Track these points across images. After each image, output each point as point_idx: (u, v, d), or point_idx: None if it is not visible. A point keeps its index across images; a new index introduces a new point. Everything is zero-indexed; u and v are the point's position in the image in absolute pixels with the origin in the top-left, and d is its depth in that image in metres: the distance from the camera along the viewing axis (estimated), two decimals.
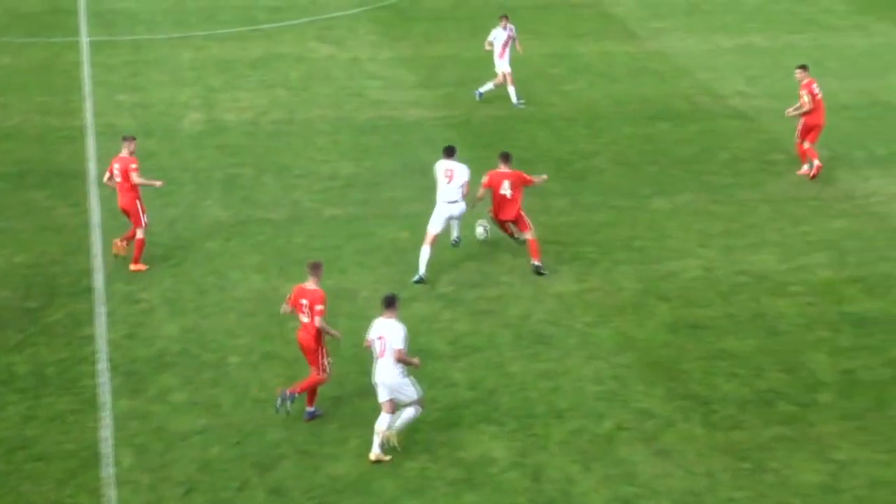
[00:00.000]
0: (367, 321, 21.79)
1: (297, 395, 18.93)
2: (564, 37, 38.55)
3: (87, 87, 33.78)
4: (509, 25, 32.41)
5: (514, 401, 19.65)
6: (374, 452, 18.19)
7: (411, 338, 21.28)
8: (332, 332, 19.14)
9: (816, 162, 28.05)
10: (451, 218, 23.92)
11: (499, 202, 23.60)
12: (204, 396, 19.67)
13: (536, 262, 23.71)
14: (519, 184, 23.52)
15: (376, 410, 19.23)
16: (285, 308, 19.25)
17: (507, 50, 32.17)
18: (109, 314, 22.13)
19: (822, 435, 18.86)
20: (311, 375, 19.11)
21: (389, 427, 18.13)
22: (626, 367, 20.61)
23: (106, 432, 18.75)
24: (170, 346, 21.10)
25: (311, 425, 18.95)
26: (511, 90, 32.35)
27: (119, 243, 23.61)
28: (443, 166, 23.87)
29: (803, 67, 28.72)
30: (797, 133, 28.38)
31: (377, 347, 18.14)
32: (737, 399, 19.75)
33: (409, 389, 18.21)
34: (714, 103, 33.08)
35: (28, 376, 20.20)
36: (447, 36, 38.64)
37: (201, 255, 24.35)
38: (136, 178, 23.32)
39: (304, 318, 18.90)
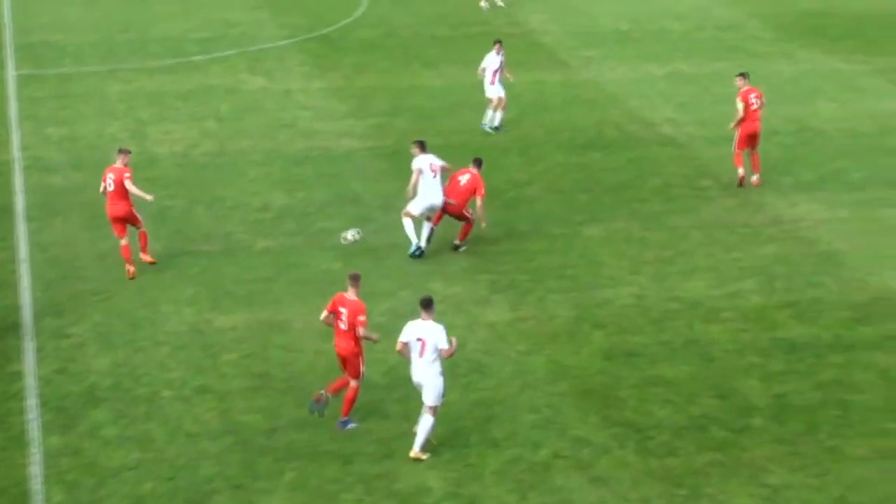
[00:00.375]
0: (301, 353, 21.84)
1: (333, 394, 19.53)
2: None
3: (14, 120, 33.44)
4: (502, 51, 33.00)
5: (449, 431, 19.59)
6: (415, 451, 18.80)
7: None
8: (373, 336, 19.59)
9: (756, 176, 29.04)
10: (432, 209, 25.35)
11: (452, 188, 25.48)
12: (136, 431, 19.45)
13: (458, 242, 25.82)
14: (474, 186, 25.34)
15: (311, 443, 19.16)
16: (325, 316, 19.56)
17: (498, 76, 32.67)
18: (38, 349, 21.85)
19: (756, 459, 18.98)
20: (349, 384, 19.49)
21: (413, 447, 18.83)
22: (561, 396, 20.63)
23: (36, 469, 18.48)
24: (101, 381, 20.86)
25: (245, 458, 18.80)
26: (496, 115, 32.81)
27: (132, 269, 24.48)
28: (426, 160, 25.30)
29: (743, 75, 29.58)
30: (734, 144, 29.29)
31: (415, 348, 18.77)
32: (671, 425, 19.83)
33: (435, 393, 18.82)
34: (645, 131, 33.31)
35: None
36: (377, 66, 38.68)
37: (133, 289, 24.12)
38: (130, 186, 24.12)
39: (342, 326, 19.31)
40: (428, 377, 18.79)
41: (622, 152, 31.84)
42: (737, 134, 29.14)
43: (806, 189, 29.51)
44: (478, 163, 26.02)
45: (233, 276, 24.71)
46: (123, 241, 24.44)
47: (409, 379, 20.86)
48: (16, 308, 23.29)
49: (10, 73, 37.40)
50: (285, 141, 32.21)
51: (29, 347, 21.93)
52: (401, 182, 29.35)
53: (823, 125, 33.97)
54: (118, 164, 24.47)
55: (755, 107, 29.03)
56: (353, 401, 19.56)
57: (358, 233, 23.53)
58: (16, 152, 31.11)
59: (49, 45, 40.29)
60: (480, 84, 33.24)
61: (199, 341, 22.21)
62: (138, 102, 34.88)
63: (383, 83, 37.02)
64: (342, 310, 19.31)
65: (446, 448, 19.13)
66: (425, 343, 18.76)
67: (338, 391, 19.64)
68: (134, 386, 20.76)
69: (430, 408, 18.81)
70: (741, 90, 29.16)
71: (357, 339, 19.33)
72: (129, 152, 25.01)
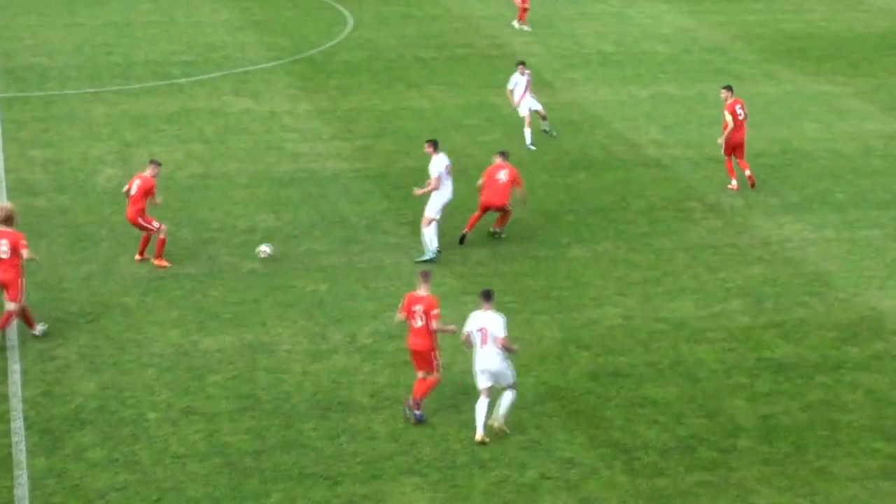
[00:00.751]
0: (288, 374, 21.79)
1: (421, 402, 20.19)
2: (479, 87, 38.75)
3: None
4: (526, 71, 33.86)
5: (437, 452, 19.56)
6: (480, 434, 19.55)
7: (332, 389, 21.31)
8: (448, 328, 20.34)
9: (733, 181, 30.48)
10: (445, 206, 26.41)
11: (491, 187, 26.80)
12: (123, 453, 19.37)
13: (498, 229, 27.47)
14: (513, 178, 26.81)
15: (298, 464, 19.11)
16: (398, 317, 20.32)
17: (527, 93, 33.66)
18: (24, 372, 21.75)
19: (743, 480, 18.97)
20: (427, 379, 20.21)
21: (496, 418, 19.69)
22: (549, 416, 20.61)
23: (21, 491, 18.38)
24: (87, 403, 20.77)
25: (232, 480, 18.73)
26: (544, 123, 34.32)
27: (154, 260, 25.84)
28: (443, 162, 26.25)
29: (728, 88, 30.75)
30: (723, 151, 30.58)
31: (478, 338, 19.58)
32: (658, 446, 19.82)
33: (508, 373, 19.76)
34: (630, 152, 33.39)
35: None
36: (362, 88, 38.71)
37: (118, 311, 24.06)
38: (154, 197, 25.66)
39: (417, 324, 20.04)
40: (495, 363, 19.67)
41: (607, 173, 31.91)
42: (725, 144, 30.30)
43: (792, 210, 29.60)
44: (506, 154, 27.40)
45: (219, 298, 24.66)
46: (160, 236, 25.78)
47: (395, 399, 20.89)
48: (1, 331, 23.17)
49: None
50: (271, 163, 32.19)
51: (15, 369, 21.83)
52: (387, 203, 29.44)
53: (808, 146, 34.12)
54: (147, 172, 25.78)
55: (741, 117, 30.19)
56: (430, 389, 20.30)
57: (270, 247, 25.87)
58: (0, 174, 31.02)
59: (33, 67, 40.24)
60: (465, 105, 33.33)
61: (186, 363, 22.15)
62: (123, 125, 34.84)
63: (368, 105, 37.06)
64: (416, 307, 20.05)
65: (433, 469, 19.09)
66: (486, 332, 19.58)
67: (425, 394, 20.30)
68: (120, 408, 20.67)
69: (511, 385, 19.82)
70: (727, 102, 30.31)
71: (432, 334, 20.10)
72: (160, 165, 26.43)
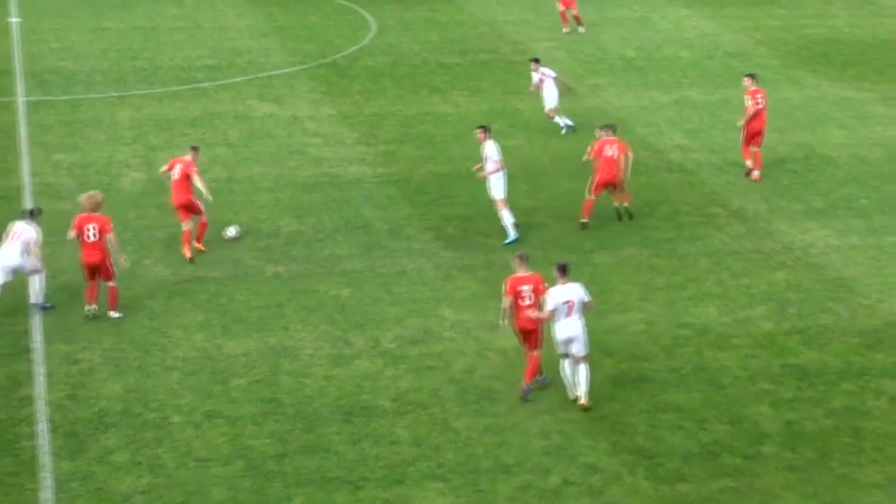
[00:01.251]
0: (311, 379, 21.84)
1: (531, 383, 21.10)
2: (503, 93, 38.77)
3: (24, 146, 33.52)
4: (540, 69, 34.87)
5: (460, 457, 19.57)
6: (586, 400, 20.75)
7: (355, 394, 21.35)
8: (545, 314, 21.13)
9: (756, 171, 31.36)
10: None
11: (605, 164, 28.14)
12: (146, 456, 19.44)
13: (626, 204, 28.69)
14: (623, 149, 28.15)
15: (321, 469, 19.15)
16: (506, 301, 20.95)
17: (545, 88, 34.85)
18: (49, 375, 21.85)
19: (767, 487, 18.92)
20: (535, 356, 21.12)
21: (581, 396, 20.75)
22: (572, 422, 20.60)
23: (46, 494, 18.46)
24: (111, 406, 20.86)
25: (255, 484, 18.77)
26: (558, 120, 35.23)
27: (187, 249, 26.44)
28: (496, 146, 27.38)
29: (751, 76, 31.73)
30: (742, 139, 31.67)
31: (563, 310, 20.58)
32: (682, 452, 19.79)
33: (586, 341, 20.82)
34: (653, 158, 33.34)
35: None
36: (386, 93, 38.76)
37: (143, 314, 24.14)
38: (196, 179, 26.38)
39: (525, 303, 20.87)
40: (579, 331, 20.67)
41: (631, 179, 31.82)
42: (744, 131, 31.43)
43: (816, 215, 29.52)
44: (613, 128, 28.76)
45: (243, 302, 24.72)
46: (185, 227, 26.40)
47: (418, 404, 20.91)
48: (26, 333, 23.31)
49: (20, 99, 37.51)
50: (294, 167, 32.27)
51: (39, 372, 21.93)
52: (410, 208, 29.48)
53: (832, 152, 34.00)
54: (188, 157, 26.73)
55: (761, 106, 31.15)
56: (537, 368, 21.16)
57: (236, 229, 27.34)
58: (26, 178, 31.19)
59: (59, 71, 40.43)
60: (488, 111, 33.39)
61: (209, 367, 22.22)
62: (147, 129, 34.97)
63: (392, 110, 37.11)
64: (523, 288, 20.89)
65: (456, 474, 19.10)
66: (573, 303, 20.59)
67: (535, 375, 21.14)
68: (144, 411, 20.75)
69: (585, 357, 20.74)
70: (749, 89, 31.22)
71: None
72: (198, 150, 27.49)
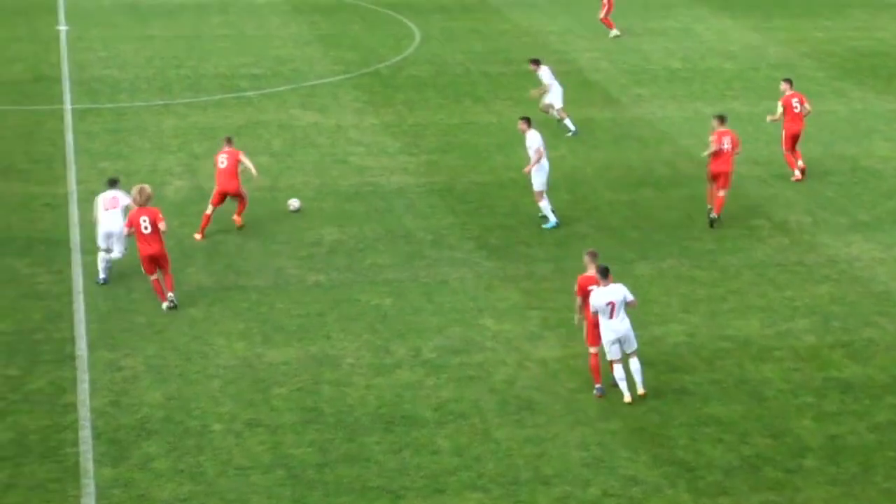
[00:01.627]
0: (352, 388, 21.88)
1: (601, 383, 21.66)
2: None
3: (71, 154, 33.78)
4: (542, 67, 35.62)
5: (500, 467, 19.55)
6: (628, 396, 21.29)
7: (395, 403, 21.37)
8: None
9: (796, 172, 32.17)
10: (549, 176, 28.98)
11: (718, 157, 28.93)
12: (187, 464, 19.53)
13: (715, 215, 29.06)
14: (736, 142, 29.10)
15: (361, 478, 19.18)
16: (579, 302, 21.65)
17: (552, 88, 35.65)
18: (92, 381, 22.00)
19: (810, 501, 18.80)
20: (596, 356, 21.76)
21: (638, 387, 21.35)
22: (612, 434, 20.54)
23: (88, 500, 18.58)
24: (153, 414, 20.97)
25: (295, 493, 18.83)
26: (565, 121, 36.01)
27: (238, 219, 28.69)
28: (539, 137, 28.81)
29: (788, 81, 32.77)
30: (783, 144, 32.55)
31: (607, 311, 21.06)
32: (723, 465, 19.69)
33: (633, 336, 21.40)
34: (696, 169, 33.15)
35: (9, 444, 20.04)
36: (429, 103, 38.82)
37: (185, 322, 24.27)
38: (245, 160, 28.41)
39: None
40: (626, 329, 21.20)
41: (673, 190, 31.78)
42: (783, 135, 32.32)
43: (861, 228, 29.32)
44: (723, 118, 29.43)
45: (284, 311, 24.81)
46: (236, 217, 28.57)
47: (459, 414, 20.92)
48: (71, 340, 23.48)
49: (67, 107, 37.82)
50: (337, 176, 32.36)
51: (84, 379, 22.09)
52: (452, 218, 29.53)
53: (878, 165, 33.77)
54: (228, 147, 28.55)
55: (797, 110, 32.01)
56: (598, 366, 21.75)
57: (298, 202, 29.71)
58: (72, 186, 31.43)
59: (104, 79, 40.73)
60: (531, 121, 33.18)
61: (250, 375, 22.30)
62: (192, 137, 35.17)
63: (435, 119, 37.17)
64: (592, 287, 21.44)
65: (496, 484, 19.08)
66: (615, 304, 21.03)
67: (598, 370, 21.70)
68: (185, 419, 20.85)
69: (636, 350, 21.38)
70: (784, 94, 32.17)
71: None
72: (233, 140, 29.27)
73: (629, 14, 49.98)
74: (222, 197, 28.28)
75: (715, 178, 29.10)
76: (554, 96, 35.67)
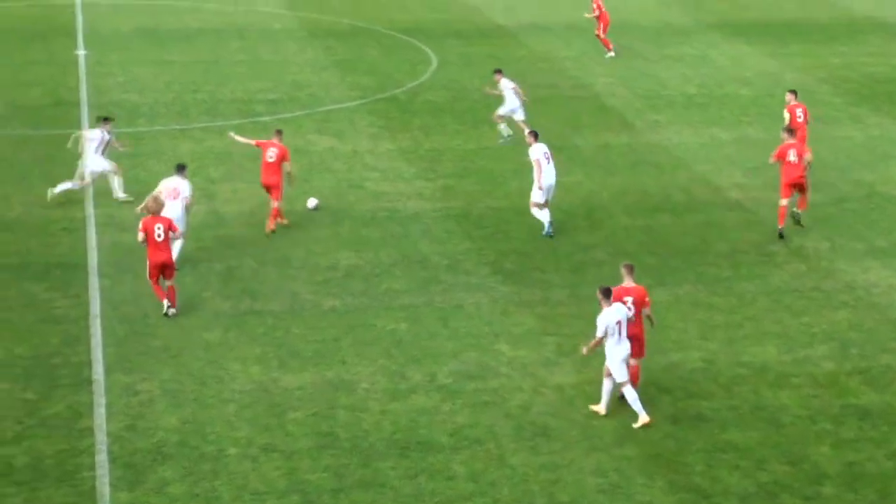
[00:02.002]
0: (367, 413, 21.86)
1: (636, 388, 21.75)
2: (562, 128, 38.76)
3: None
4: (503, 80, 36.99)
5: (515, 493, 19.51)
6: (645, 417, 21.32)
7: (411, 428, 21.34)
8: (652, 317, 22.30)
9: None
10: (549, 189, 29.87)
11: (788, 168, 29.51)
12: (203, 489, 19.52)
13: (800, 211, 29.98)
14: (803, 151, 29.66)
15: (376, 503, 19.09)
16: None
17: (507, 97, 36.82)
18: (109, 406, 22.02)
19: None
20: (637, 365, 22.04)
21: (642, 418, 21.34)
22: (628, 460, 20.49)
23: None
24: (169, 438, 20.98)
25: None
26: (503, 128, 37.43)
27: (272, 224, 29.67)
28: (542, 149, 29.88)
29: (793, 92, 34.19)
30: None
31: (616, 330, 21.25)
32: (739, 492, 19.62)
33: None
34: (712, 195, 33.21)
35: (26, 468, 20.06)
36: (445, 129, 38.89)
37: (200, 347, 24.29)
38: (288, 165, 29.75)
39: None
40: (629, 348, 21.46)
41: (689, 216, 31.76)
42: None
43: (878, 255, 29.26)
44: (792, 131, 30.40)
45: (300, 336, 24.82)
46: (274, 204, 29.59)
47: (474, 440, 20.89)
48: (88, 364, 23.52)
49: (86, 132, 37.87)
50: (353, 201, 32.41)
51: (100, 403, 22.11)
52: (468, 243, 29.53)
53: (895, 191, 33.72)
54: (276, 140, 29.86)
55: (801, 119, 33.00)
56: (637, 377, 21.92)
57: (316, 201, 31.10)
58: (90, 209, 31.52)
59: (123, 104, 40.87)
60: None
61: (266, 400, 22.30)
62: (208, 161, 35.27)
63: (451, 145, 37.23)
64: (627, 298, 21.71)
65: None
66: (622, 323, 21.36)
67: (636, 380, 21.87)
68: (201, 443, 20.85)
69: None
70: (789, 104, 33.50)
71: (642, 321, 21.94)
72: (282, 133, 30.60)
73: (645, 41, 50.02)
74: (267, 189, 29.68)
75: (793, 188, 29.69)
76: (505, 108, 36.85)
